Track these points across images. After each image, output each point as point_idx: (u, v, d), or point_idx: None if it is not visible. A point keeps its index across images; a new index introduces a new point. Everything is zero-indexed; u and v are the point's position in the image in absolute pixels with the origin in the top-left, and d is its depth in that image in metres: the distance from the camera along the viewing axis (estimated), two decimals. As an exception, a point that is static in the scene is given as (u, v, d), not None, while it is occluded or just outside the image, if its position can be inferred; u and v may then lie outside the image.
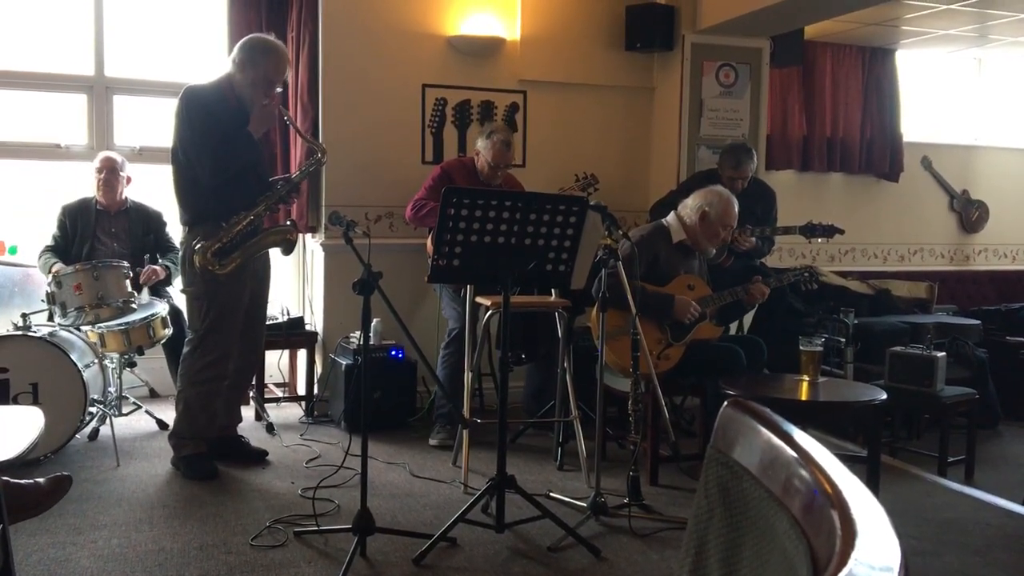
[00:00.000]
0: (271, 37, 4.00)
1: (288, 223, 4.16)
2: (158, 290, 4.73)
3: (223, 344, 3.93)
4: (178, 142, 3.84)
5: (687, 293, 4.08)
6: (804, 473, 0.87)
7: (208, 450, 3.99)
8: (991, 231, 7.38)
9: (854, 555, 0.71)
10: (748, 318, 5.10)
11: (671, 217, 4.25)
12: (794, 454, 0.91)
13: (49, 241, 4.71)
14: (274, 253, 4.10)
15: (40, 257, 4.63)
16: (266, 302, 4.24)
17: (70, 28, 5.22)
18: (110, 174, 4.72)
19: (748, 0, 5.04)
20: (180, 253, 4.00)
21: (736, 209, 4.18)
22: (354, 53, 5.14)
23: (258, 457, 4.18)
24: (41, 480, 2.53)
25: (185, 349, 3.99)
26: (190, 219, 3.90)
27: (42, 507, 2.52)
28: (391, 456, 4.32)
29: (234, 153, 3.79)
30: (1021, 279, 7.32)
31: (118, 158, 4.80)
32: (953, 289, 6.95)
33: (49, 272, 4.37)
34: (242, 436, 4.28)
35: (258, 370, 4.73)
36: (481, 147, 4.60)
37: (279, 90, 4.04)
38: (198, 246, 3.79)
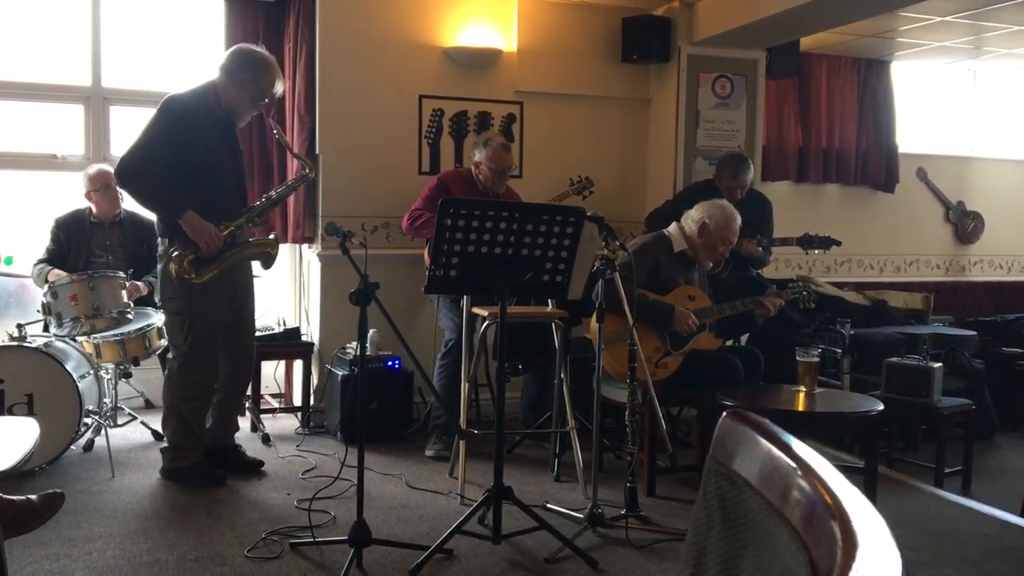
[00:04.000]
0: (263, 50, 4.01)
1: (271, 236, 4.13)
2: (151, 302, 4.70)
3: (209, 357, 3.95)
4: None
5: (688, 304, 4.08)
6: (804, 484, 0.87)
7: (206, 457, 4.01)
8: (987, 242, 7.39)
9: (855, 566, 0.71)
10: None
11: (673, 227, 4.26)
12: (794, 465, 0.91)
13: (42, 255, 4.66)
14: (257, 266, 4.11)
15: (34, 267, 4.60)
16: (252, 313, 4.22)
17: (67, 39, 5.21)
18: (108, 189, 4.70)
19: (744, 12, 5.07)
20: (159, 266, 3.98)
21: (738, 225, 4.18)
22: (351, 64, 5.15)
23: (254, 468, 4.17)
24: (33, 497, 2.51)
25: (172, 365, 3.99)
26: (169, 230, 3.87)
27: (33, 524, 2.49)
28: (387, 467, 4.31)
29: (156, 178, 3.79)
30: (1017, 290, 7.33)
31: (111, 170, 4.77)
32: (949, 300, 6.95)
33: (45, 282, 4.35)
34: (239, 445, 4.26)
35: (253, 381, 4.71)
36: (480, 156, 4.57)
37: (266, 101, 4.06)
38: (175, 254, 3.78)
